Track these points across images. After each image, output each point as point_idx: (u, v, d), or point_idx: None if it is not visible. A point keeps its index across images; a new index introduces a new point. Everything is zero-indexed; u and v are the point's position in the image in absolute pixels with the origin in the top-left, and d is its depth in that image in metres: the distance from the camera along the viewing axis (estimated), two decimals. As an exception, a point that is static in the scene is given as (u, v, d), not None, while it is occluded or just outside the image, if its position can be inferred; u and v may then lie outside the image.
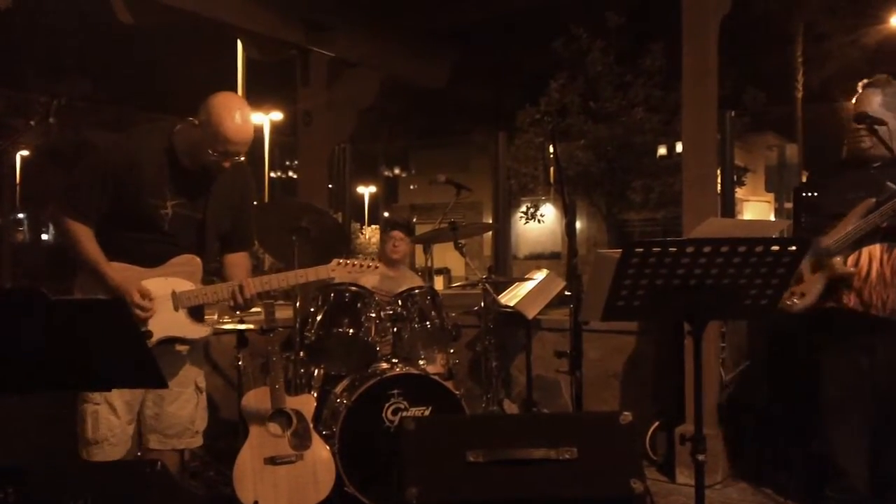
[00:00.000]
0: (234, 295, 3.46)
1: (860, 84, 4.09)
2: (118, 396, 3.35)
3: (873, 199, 3.84)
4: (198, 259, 3.47)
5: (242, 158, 3.45)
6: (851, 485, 4.09)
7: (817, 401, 4.21)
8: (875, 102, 3.95)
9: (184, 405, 3.56)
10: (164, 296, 3.35)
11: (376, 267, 3.91)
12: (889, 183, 3.81)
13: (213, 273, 3.71)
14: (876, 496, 4.11)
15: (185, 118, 3.38)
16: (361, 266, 3.80)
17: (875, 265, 3.88)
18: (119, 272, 3.30)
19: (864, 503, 4.11)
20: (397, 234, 5.59)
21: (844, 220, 3.92)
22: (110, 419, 3.35)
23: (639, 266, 2.68)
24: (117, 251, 3.34)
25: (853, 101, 4.08)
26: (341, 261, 3.72)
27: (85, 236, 3.32)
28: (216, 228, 3.55)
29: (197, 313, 3.47)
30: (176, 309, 3.37)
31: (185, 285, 3.41)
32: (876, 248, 3.88)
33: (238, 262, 3.68)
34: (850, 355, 4.03)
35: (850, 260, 3.91)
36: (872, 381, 4.00)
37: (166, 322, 3.34)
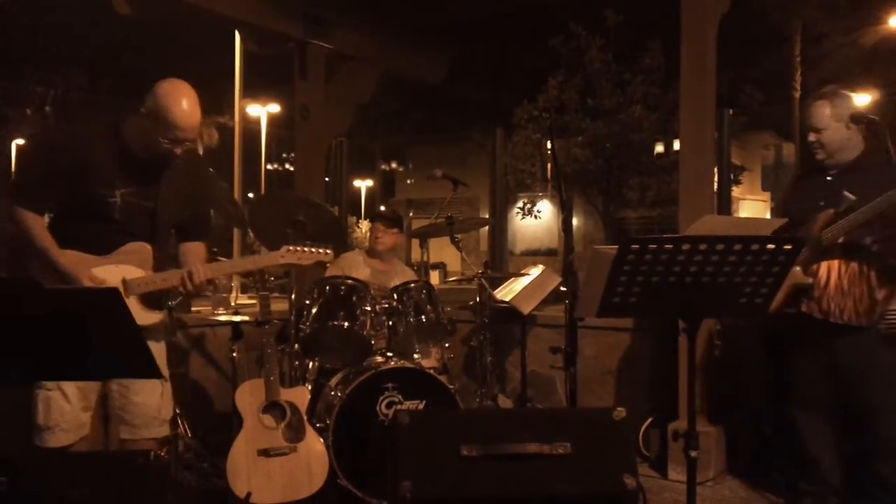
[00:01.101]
0: (184, 281, 3.47)
1: (811, 98, 4.25)
2: (71, 382, 3.36)
3: (832, 211, 3.95)
4: (149, 247, 3.49)
5: (192, 145, 3.48)
6: (824, 477, 4.20)
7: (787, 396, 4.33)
8: (825, 114, 4.07)
9: (149, 395, 3.55)
10: (115, 283, 3.36)
11: (327, 253, 3.90)
12: (846, 193, 3.92)
13: (172, 259, 3.72)
14: (850, 498, 4.19)
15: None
16: (312, 252, 3.82)
17: (833, 276, 4.01)
18: (70, 260, 3.33)
19: (838, 497, 4.19)
20: (379, 225, 5.63)
21: (804, 229, 4.02)
22: (62, 405, 3.36)
23: (635, 263, 2.69)
24: (70, 239, 3.37)
25: (807, 115, 4.21)
26: (291, 247, 3.78)
27: (35, 225, 3.35)
28: (169, 217, 3.57)
29: (149, 300, 3.47)
30: (126, 296, 3.37)
31: (135, 273, 3.43)
32: (835, 261, 4.01)
33: (193, 250, 3.71)
34: (813, 353, 4.17)
35: (811, 269, 4.03)
36: (836, 383, 4.12)
37: None
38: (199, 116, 3.40)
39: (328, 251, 3.92)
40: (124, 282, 3.39)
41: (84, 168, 3.36)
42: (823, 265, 4.01)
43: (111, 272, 3.39)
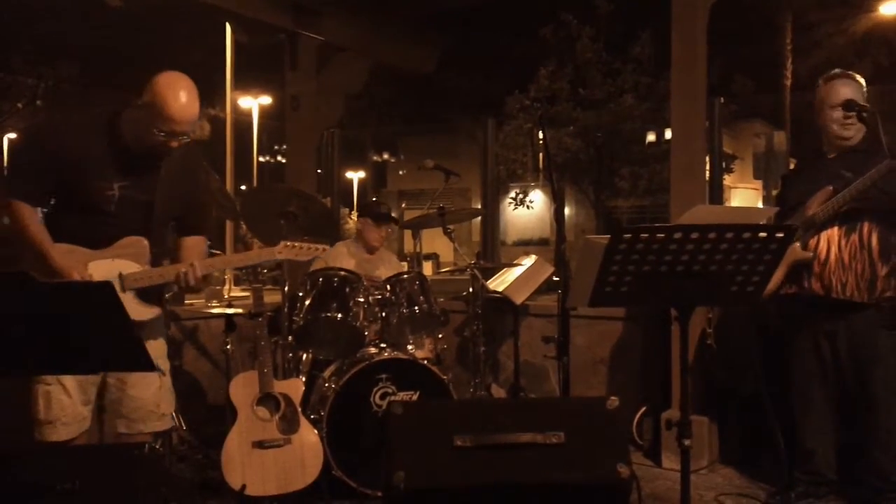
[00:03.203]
0: (179, 278, 3.45)
1: (825, 78, 4.21)
2: (70, 377, 3.34)
3: (831, 188, 3.99)
4: (145, 241, 3.45)
5: (188, 139, 3.42)
6: (818, 467, 4.24)
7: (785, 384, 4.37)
8: (851, 92, 4.08)
9: (146, 388, 3.52)
10: (111, 277, 3.33)
11: (324, 250, 3.91)
12: (844, 172, 3.97)
13: (168, 254, 3.70)
14: (845, 486, 4.24)
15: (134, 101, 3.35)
16: (309, 249, 3.80)
17: (833, 249, 4.02)
18: (64, 254, 3.29)
19: (831, 486, 4.22)
20: (370, 221, 5.59)
21: (804, 207, 4.07)
22: (62, 399, 3.34)
23: (626, 252, 2.70)
24: (65, 233, 3.34)
25: (824, 94, 4.18)
26: (288, 243, 3.76)
27: (29, 217, 3.32)
28: (164, 211, 3.53)
29: (145, 295, 3.43)
30: (122, 291, 3.34)
31: (131, 267, 3.39)
32: (834, 233, 4.03)
33: (192, 245, 3.66)
34: (813, 341, 4.19)
35: (810, 244, 4.05)
36: (835, 372, 4.15)
37: None
38: (196, 110, 3.34)
39: (325, 247, 3.91)
40: (120, 276, 3.35)
41: (80, 160, 3.32)
42: (823, 238, 4.03)
43: (107, 266, 3.35)
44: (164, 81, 3.28)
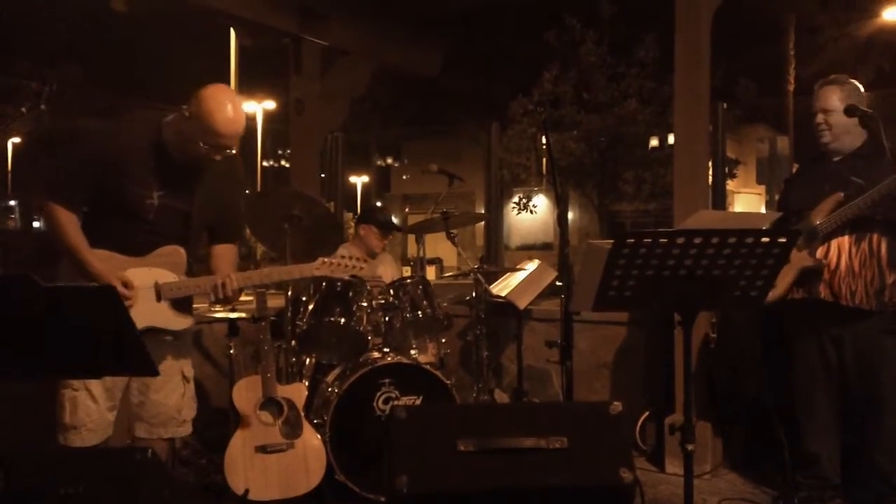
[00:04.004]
0: (216, 289, 3.44)
1: (819, 83, 4.22)
2: (98, 383, 3.33)
3: (841, 194, 3.97)
4: (182, 250, 3.45)
5: (234, 151, 3.43)
6: (822, 471, 4.24)
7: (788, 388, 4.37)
8: (834, 97, 4.08)
9: (169, 394, 3.54)
10: (147, 286, 3.33)
11: (362, 268, 3.89)
12: (854, 178, 3.95)
13: (200, 261, 3.70)
14: (846, 489, 4.23)
15: (177, 107, 3.35)
16: (347, 265, 3.79)
17: (844, 257, 4.01)
18: (101, 260, 3.28)
19: (835, 490, 4.21)
20: (375, 230, 5.57)
21: (812, 214, 4.05)
22: (88, 405, 3.34)
23: (630, 256, 2.70)
24: (102, 239, 3.33)
25: (813, 100, 4.19)
26: (326, 259, 3.74)
27: (68, 222, 3.30)
28: (203, 220, 3.53)
29: (180, 304, 3.44)
30: (158, 300, 3.35)
31: (168, 276, 3.38)
32: (844, 240, 4.02)
33: (224, 253, 3.66)
34: (818, 345, 4.18)
35: (820, 252, 4.04)
36: (840, 377, 4.15)
37: (148, 312, 3.31)
38: (242, 123, 3.34)
39: (363, 265, 3.88)
40: (157, 285, 3.35)
41: (123, 167, 3.30)
42: (833, 245, 4.02)
43: (143, 275, 3.34)
44: (211, 95, 3.27)
